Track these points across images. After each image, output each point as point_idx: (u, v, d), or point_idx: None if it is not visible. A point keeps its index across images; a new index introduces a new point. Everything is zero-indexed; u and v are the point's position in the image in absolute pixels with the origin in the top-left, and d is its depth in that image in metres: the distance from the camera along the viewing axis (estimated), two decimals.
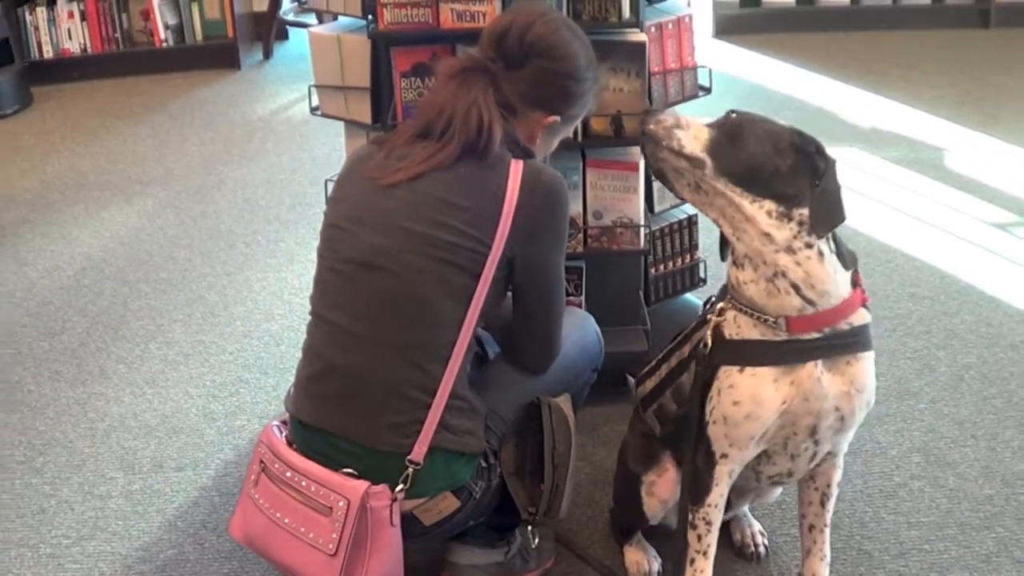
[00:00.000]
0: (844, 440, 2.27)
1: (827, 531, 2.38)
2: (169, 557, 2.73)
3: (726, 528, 2.65)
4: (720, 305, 2.23)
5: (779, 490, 2.56)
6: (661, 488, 2.45)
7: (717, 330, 2.20)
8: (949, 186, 4.72)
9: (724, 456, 2.23)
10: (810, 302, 2.09)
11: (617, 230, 3.05)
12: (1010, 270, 3.99)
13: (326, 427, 2.24)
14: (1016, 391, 3.25)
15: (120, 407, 3.37)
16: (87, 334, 3.81)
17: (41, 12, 6.62)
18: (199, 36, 6.85)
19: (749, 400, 2.14)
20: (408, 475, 2.18)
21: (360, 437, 2.20)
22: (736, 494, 2.43)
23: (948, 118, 5.49)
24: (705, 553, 2.31)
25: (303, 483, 2.20)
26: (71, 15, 6.65)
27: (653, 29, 3.02)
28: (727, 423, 2.18)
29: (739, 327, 2.17)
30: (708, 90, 3.19)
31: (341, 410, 2.23)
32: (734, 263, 2.17)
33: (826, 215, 2.10)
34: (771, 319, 2.12)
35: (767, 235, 2.08)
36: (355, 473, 2.18)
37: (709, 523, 2.29)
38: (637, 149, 3.02)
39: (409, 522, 2.25)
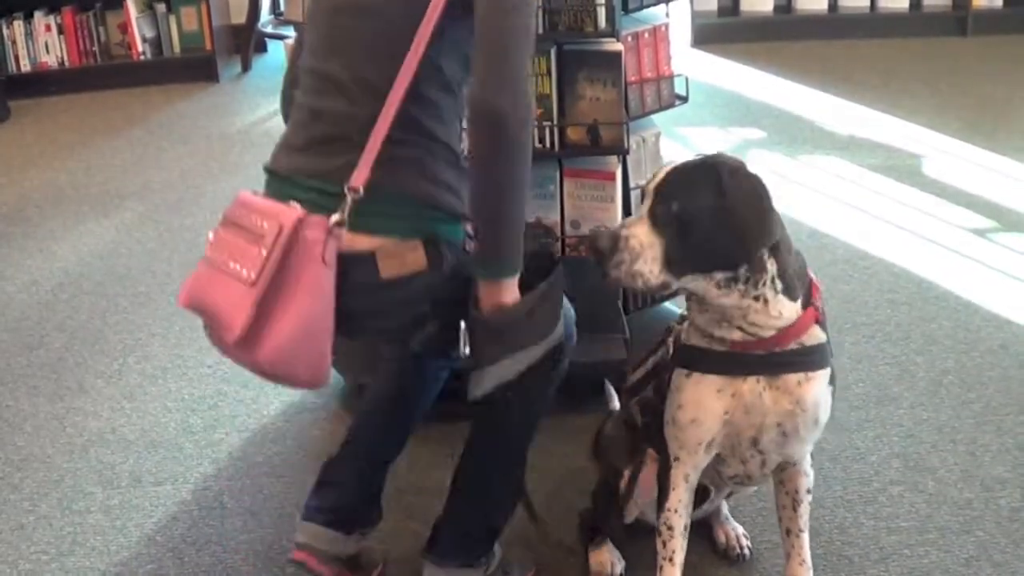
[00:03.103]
0: (797, 452, 2.27)
1: (804, 536, 2.39)
2: (148, 572, 2.71)
3: (710, 531, 2.67)
4: (682, 312, 2.28)
5: (752, 487, 2.57)
6: (639, 482, 2.45)
7: (677, 336, 2.25)
8: (927, 193, 4.74)
9: (677, 459, 2.26)
10: (752, 335, 2.12)
11: None
12: (987, 276, 4.00)
13: (296, 172, 2.15)
14: (994, 395, 3.26)
15: (98, 422, 3.35)
16: (65, 349, 3.79)
17: (18, 25, 6.61)
18: (177, 49, 6.85)
19: (693, 406, 2.18)
20: (347, 205, 2.04)
21: (326, 175, 2.10)
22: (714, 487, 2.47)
23: (926, 125, 5.52)
24: (671, 560, 2.31)
25: (247, 216, 2.09)
26: (48, 28, 6.64)
27: (629, 38, 3.03)
28: (675, 426, 2.22)
29: (691, 334, 2.22)
30: (685, 99, 3.21)
31: (317, 154, 2.14)
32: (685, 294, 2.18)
33: (743, 238, 2.05)
34: (716, 338, 2.15)
35: (718, 303, 2.09)
36: (298, 206, 2.05)
37: (671, 528, 2.30)
38: (614, 158, 3.04)
39: (362, 270, 2.09)
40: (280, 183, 2.18)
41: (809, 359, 2.16)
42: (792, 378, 2.15)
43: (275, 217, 2.03)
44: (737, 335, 2.12)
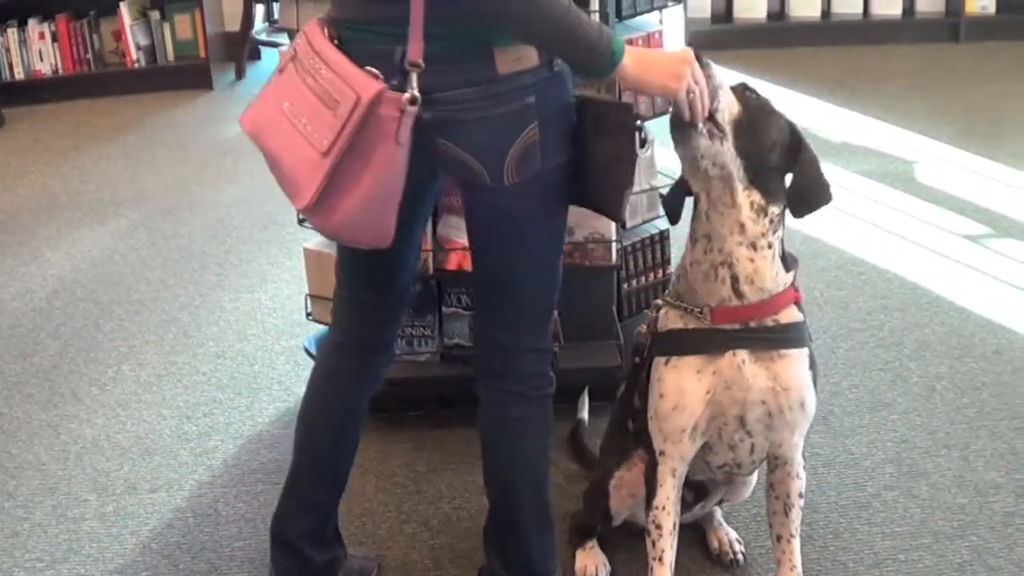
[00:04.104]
0: (786, 440, 2.26)
1: (795, 542, 2.39)
2: None
3: (703, 536, 2.68)
4: (656, 302, 2.31)
5: (748, 489, 2.58)
6: (628, 483, 2.47)
7: (652, 325, 2.27)
8: (920, 199, 4.75)
9: (663, 453, 2.26)
10: (739, 295, 2.14)
11: (589, 246, 3.06)
12: (981, 281, 4.01)
13: (370, 19, 2.03)
14: (988, 400, 3.27)
15: (93, 429, 3.35)
16: (59, 356, 3.79)
17: (12, 33, 6.61)
18: (171, 56, 6.85)
19: (674, 392, 2.19)
20: (414, 80, 1.93)
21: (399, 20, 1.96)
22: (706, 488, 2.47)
23: (919, 131, 5.53)
24: (660, 559, 2.31)
25: (323, 71, 2.00)
26: (42, 36, 6.64)
27: None
28: (658, 417, 2.23)
29: (667, 319, 2.23)
30: None
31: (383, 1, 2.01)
32: (691, 238, 2.20)
33: (807, 197, 2.21)
34: (697, 309, 2.17)
35: (742, 225, 2.12)
36: (379, 74, 1.95)
37: (659, 526, 2.30)
38: None
39: (478, 64, 2.00)
40: (362, 31, 2.05)
41: (784, 336, 2.18)
42: (767, 354, 2.17)
43: (353, 86, 1.94)
44: (725, 291, 2.14)
